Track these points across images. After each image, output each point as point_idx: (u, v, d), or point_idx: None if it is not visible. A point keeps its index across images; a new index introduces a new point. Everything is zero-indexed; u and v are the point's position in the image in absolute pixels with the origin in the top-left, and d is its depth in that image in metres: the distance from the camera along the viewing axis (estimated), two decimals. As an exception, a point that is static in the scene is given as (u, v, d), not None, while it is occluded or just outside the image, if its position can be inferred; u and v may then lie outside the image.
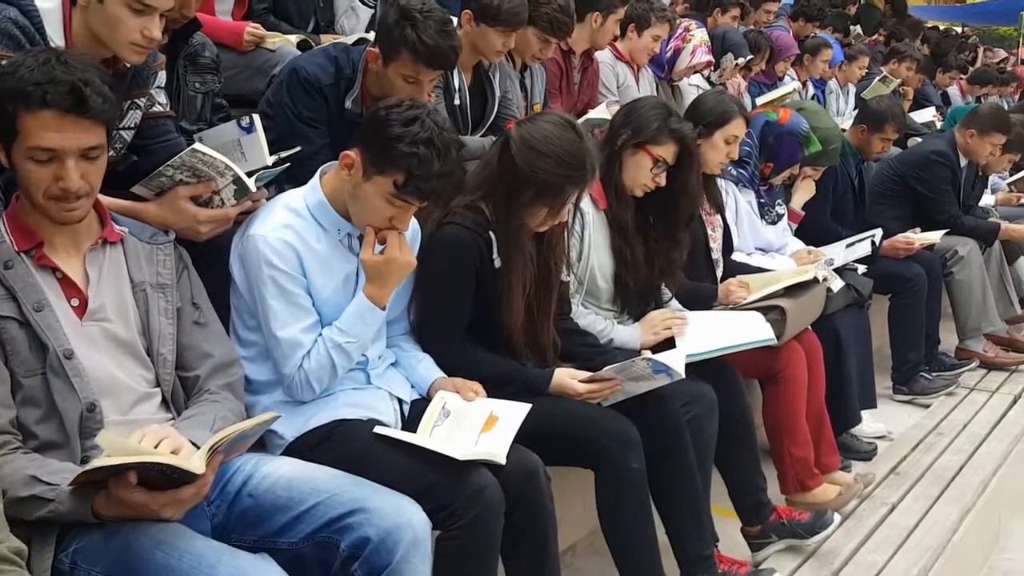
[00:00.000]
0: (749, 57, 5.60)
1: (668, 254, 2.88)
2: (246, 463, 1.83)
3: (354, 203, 2.05)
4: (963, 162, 4.89)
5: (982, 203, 5.81)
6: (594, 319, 2.75)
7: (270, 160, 2.53)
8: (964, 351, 4.85)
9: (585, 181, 2.26)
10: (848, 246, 3.85)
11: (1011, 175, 6.49)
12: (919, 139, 6.00)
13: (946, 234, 4.63)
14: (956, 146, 4.83)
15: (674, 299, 3.01)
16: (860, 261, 3.93)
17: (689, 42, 5.07)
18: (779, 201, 3.87)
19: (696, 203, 2.98)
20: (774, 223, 3.84)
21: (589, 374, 2.34)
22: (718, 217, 3.41)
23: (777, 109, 3.76)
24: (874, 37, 9.65)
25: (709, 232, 3.32)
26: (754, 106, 5.71)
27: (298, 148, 2.55)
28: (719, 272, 3.38)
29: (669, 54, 5.17)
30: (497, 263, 2.31)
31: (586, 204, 2.75)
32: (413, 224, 2.28)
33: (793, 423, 3.10)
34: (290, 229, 2.06)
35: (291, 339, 2.05)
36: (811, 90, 6.60)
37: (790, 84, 6.07)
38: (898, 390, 4.50)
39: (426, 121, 1.94)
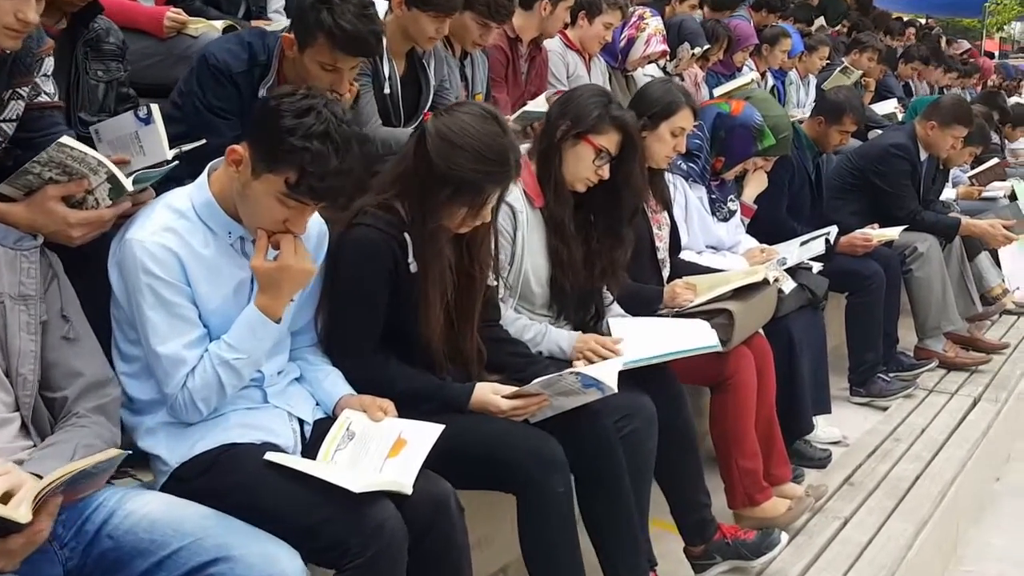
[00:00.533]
0: (706, 47, 5.43)
1: (610, 254, 2.69)
2: (110, 498, 1.62)
3: (243, 203, 1.84)
4: (923, 155, 4.75)
5: (943, 197, 5.70)
6: (525, 325, 2.55)
7: (170, 154, 2.31)
8: (923, 350, 4.72)
9: (508, 178, 2.06)
10: (802, 244, 3.69)
11: (972, 168, 6.40)
12: (880, 131, 5.89)
13: (905, 230, 4.49)
14: (916, 139, 4.70)
15: (616, 303, 2.82)
16: (816, 259, 3.77)
17: (643, 31, 4.89)
18: (731, 197, 3.70)
19: (640, 197, 2.79)
20: (726, 220, 3.67)
21: (513, 389, 2.14)
22: (665, 214, 3.23)
23: (729, 101, 3.58)
24: (836, 28, 9.53)
25: (655, 230, 3.14)
26: (711, 97, 5.56)
27: (203, 141, 2.33)
28: (665, 272, 3.21)
29: (623, 43, 4.99)
30: (413, 268, 2.11)
31: (520, 203, 2.55)
32: (320, 225, 2.08)
33: (741, 433, 2.93)
34: (171, 232, 1.84)
35: (173, 355, 1.84)
36: (770, 81, 6.46)
37: (748, 75, 5.91)
38: (855, 392, 4.36)
39: (322, 112, 1.73)
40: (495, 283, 2.33)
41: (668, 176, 3.38)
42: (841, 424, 4.06)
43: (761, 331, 3.26)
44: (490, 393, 2.12)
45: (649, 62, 5.17)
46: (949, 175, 5.91)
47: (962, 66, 9.50)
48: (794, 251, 3.48)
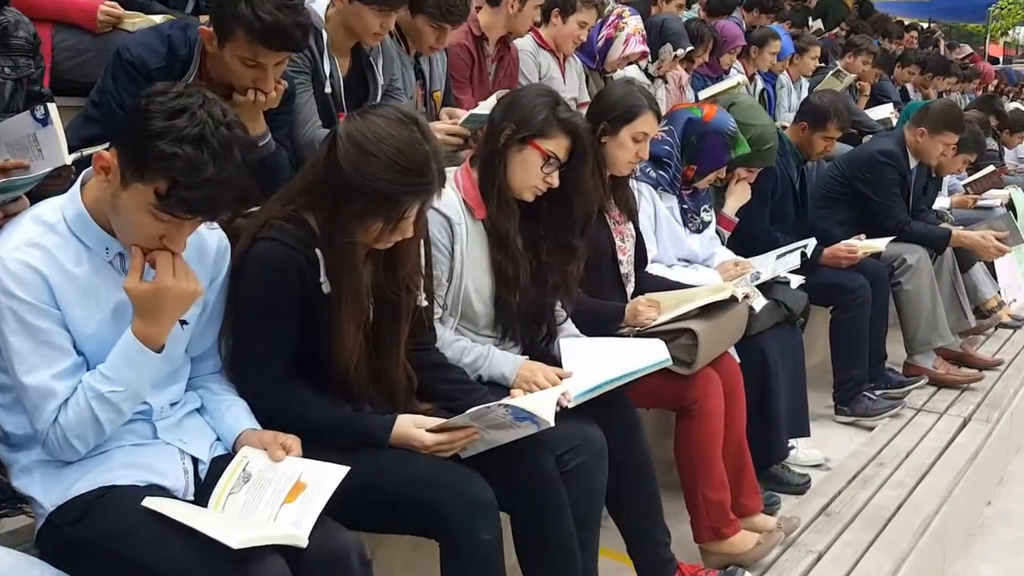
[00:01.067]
0: (689, 48, 5.22)
1: (561, 268, 2.48)
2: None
3: (115, 216, 1.63)
4: (913, 163, 4.53)
5: (936, 206, 5.48)
6: (465, 348, 2.34)
7: (69, 158, 2.12)
8: (913, 367, 4.50)
9: (428, 190, 1.85)
10: (778, 257, 3.47)
11: (969, 175, 6.17)
12: (874, 137, 5.68)
13: (893, 241, 4.28)
14: (906, 145, 4.48)
15: (570, 320, 2.61)
16: (796, 272, 3.55)
17: (622, 30, 4.68)
18: (705, 207, 3.48)
19: (592, 205, 2.58)
20: (699, 231, 3.45)
21: (439, 421, 1.93)
22: (629, 225, 3.02)
23: (702, 105, 3.37)
24: (834, 31, 9.32)
25: (618, 242, 2.93)
26: (697, 100, 5.35)
27: (105, 145, 2.12)
28: (629, 288, 2.99)
29: (600, 43, 4.79)
30: (326, 288, 1.90)
31: (458, 215, 2.34)
32: (220, 239, 1.87)
33: (708, 462, 2.71)
34: (38, 248, 1.63)
35: (41, 386, 1.63)
36: (760, 84, 6.24)
37: (735, 77, 5.71)
38: (839, 410, 4.14)
39: (197, 113, 1.52)
40: (426, 303, 2.11)
41: (634, 185, 3.18)
42: (824, 445, 3.85)
43: (732, 351, 3.05)
44: (412, 426, 1.91)
45: (628, 63, 4.96)
46: (943, 183, 5.70)
47: (961, 71, 9.26)
48: (769, 265, 3.26)
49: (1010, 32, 24.35)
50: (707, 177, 3.38)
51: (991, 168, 5.97)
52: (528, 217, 2.46)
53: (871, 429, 4.00)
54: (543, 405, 1.91)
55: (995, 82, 11.71)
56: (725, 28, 5.78)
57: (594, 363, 2.39)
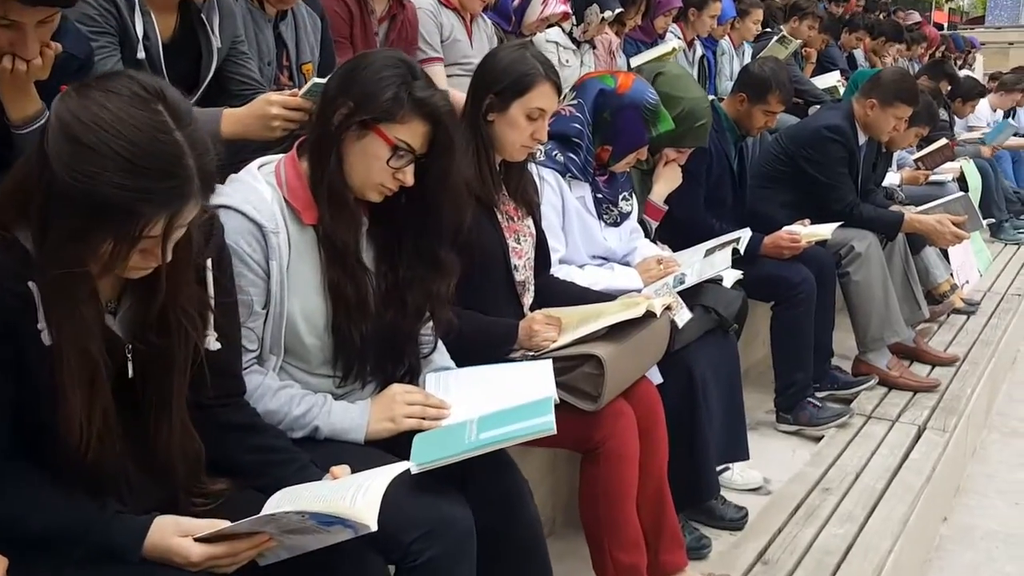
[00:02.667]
0: (619, 10, 4.67)
1: (426, 285, 1.93)
2: None
3: None
4: (862, 138, 4.05)
5: (886, 182, 5.04)
6: (292, 396, 1.79)
7: None
8: (864, 364, 4.05)
9: (178, 197, 1.27)
10: (707, 254, 2.96)
11: (919, 149, 5.75)
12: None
13: (841, 226, 3.81)
14: (854, 119, 3.99)
15: (441, 350, 2.06)
16: (734, 265, 3.04)
17: (540, -12, 4.13)
18: (624, 195, 2.95)
19: (464, 208, 2.03)
20: (617, 224, 2.92)
21: (214, 527, 1.37)
22: (528, 222, 2.48)
23: (616, 74, 2.81)
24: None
25: (511, 244, 2.39)
26: (629, 68, 4.82)
27: None
28: (527, 299, 2.46)
29: (516, 2, 4.23)
30: (47, 338, 1.32)
31: (274, 221, 1.76)
32: None
33: (618, 517, 2.21)
34: None
35: None
36: (699, 50, 5.73)
37: (671, 42, 5.18)
38: (782, 418, 3.69)
39: None
40: (217, 345, 1.54)
41: (535, 171, 2.63)
42: (764, 459, 3.39)
43: (655, 371, 2.55)
44: (173, 535, 1.35)
45: (549, 25, 4.41)
46: (893, 158, 5.26)
47: (908, 36, 8.85)
48: (695, 266, 2.74)
49: (955, -2, 24.20)
50: (625, 159, 2.84)
51: (943, 141, 5.54)
52: (382, 218, 1.90)
53: (818, 439, 3.55)
54: (364, 507, 1.35)
55: (942, 47, 11.35)
56: (659, -12, 5.23)
57: (465, 406, 1.86)
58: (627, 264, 2.95)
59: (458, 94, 2.62)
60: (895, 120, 3.94)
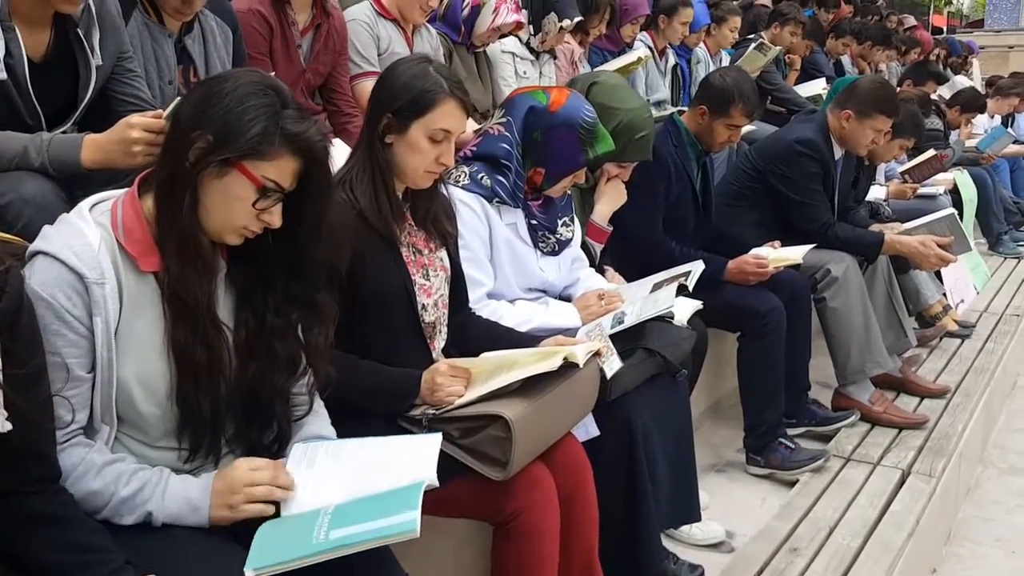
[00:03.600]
0: (578, 18, 4.38)
1: (299, 333, 1.64)
2: None
3: None
4: (838, 152, 3.75)
5: (872, 196, 4.73)
6: (120, 474, 1.48)
7: None
8: (844, 398, 3.73)
9: None
10: (655, 287, 2.65)
11: (910, 159, 5.43)
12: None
13: (816, 248, 3.50)
14: (829, 132, 3.69)
15: (318, 411, 1.76)
16: (694, 295, 2.73)
17: (490, -4, 3.85)
18: (564, 220, 2.65)
19: (342, 248, 1.75)
20: (555, 252, 2.62)
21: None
22: (442, 254, 2.18)
23: (548, 90, 2.51)
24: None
25: (418, 281, 2.08)
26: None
27: None
28: (438, 343, 2.16)
29: (466, 11, 3.94)
30: None
31: (98, 270, 1.46)
32: None
33: (533, 604, 1.90)
34: None
35: None
36: (672, 59, 5.43)
37: (638, 51, 4.89)
38: (752, 459, 3.37)
39: None
40: (8, 426, 1.24)
41: (456, 195, 2.34)
42: (730, 508, 3.10)
43: (589, 422, 2.25)
44: None
45: (501, 36, 4.12)
46: (878, 171, 4.96)
47: (897, 40, 8.55)
48: (636, 303, 2.42)
49: (954, 2, 23.91)
50: (560, 183, 2.54)
51: (931, 152, 5.23)
52: (244, 258, 1.61)
53: (791, 484, 3.23)
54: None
55: (938, 51, 11.04)
56: (627, -6, 4.94)
57: (327, 489, 1.55)
58: (568, 298, 2.65)
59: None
60: (873, 133, 3.63)
